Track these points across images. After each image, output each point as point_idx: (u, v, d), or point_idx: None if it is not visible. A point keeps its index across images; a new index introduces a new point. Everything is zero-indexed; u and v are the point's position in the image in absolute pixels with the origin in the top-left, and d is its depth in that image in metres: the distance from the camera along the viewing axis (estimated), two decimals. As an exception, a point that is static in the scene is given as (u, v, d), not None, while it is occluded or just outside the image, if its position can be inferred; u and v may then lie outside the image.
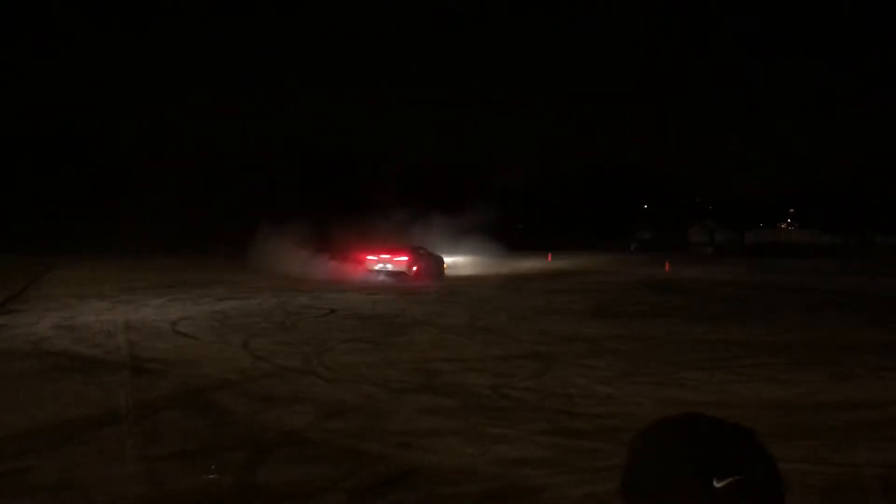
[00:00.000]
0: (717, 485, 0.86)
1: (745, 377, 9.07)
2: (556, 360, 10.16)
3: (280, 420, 6.92)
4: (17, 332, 12.29)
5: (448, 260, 27.93)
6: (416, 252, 25.13)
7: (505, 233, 42.07)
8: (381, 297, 18.80)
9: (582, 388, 8.41)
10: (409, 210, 31.08)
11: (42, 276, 24.30)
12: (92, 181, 43.36)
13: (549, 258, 40.44)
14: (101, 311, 15.22)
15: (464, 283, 23.62)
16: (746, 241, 73.46)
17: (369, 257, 24.58)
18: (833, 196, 78.25)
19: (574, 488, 5.11)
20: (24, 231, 39.65)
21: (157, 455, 5.84)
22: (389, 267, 24.27)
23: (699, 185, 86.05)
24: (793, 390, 8.29)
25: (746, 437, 0.93)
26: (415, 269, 24.26)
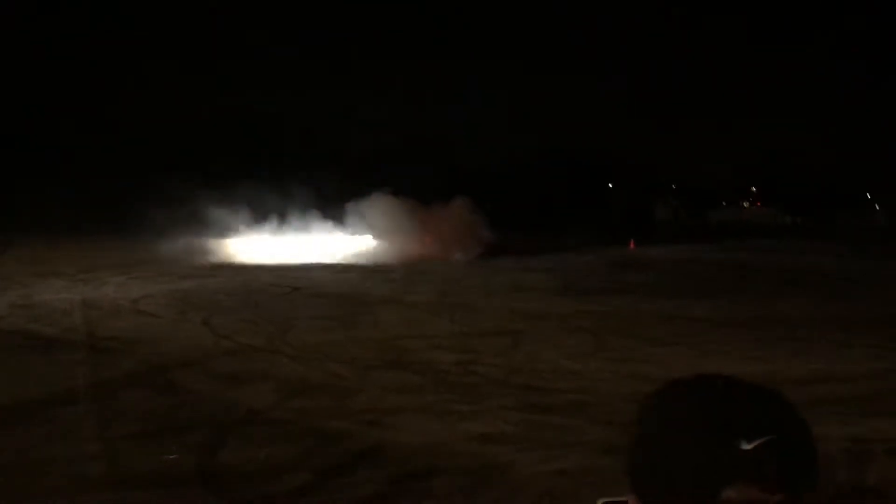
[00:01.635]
0: (745, 447, 0.75)
1: (711, 353, 9.13)
2: (524, 336, 10.14)
3: (243, 399, 6.79)
4: (-29, 312, 11.94)
5: None
6: None
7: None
8: (347, 274, 18.64)
9: (549, 363, 8.39)
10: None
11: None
12: (52, 163, 42.41)
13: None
14: (60, 289, 14.84)
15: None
16: (710, 219, 74.18)
17: None
18: (795, 175, 79.37)
19: (542, 464, 5.08)
20: None
21: (116, 435, 5.71)
22: None
23: (662, 164, 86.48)
24: (758, 365, 8.35)
25: (774, 399, 0.81)
26: None
